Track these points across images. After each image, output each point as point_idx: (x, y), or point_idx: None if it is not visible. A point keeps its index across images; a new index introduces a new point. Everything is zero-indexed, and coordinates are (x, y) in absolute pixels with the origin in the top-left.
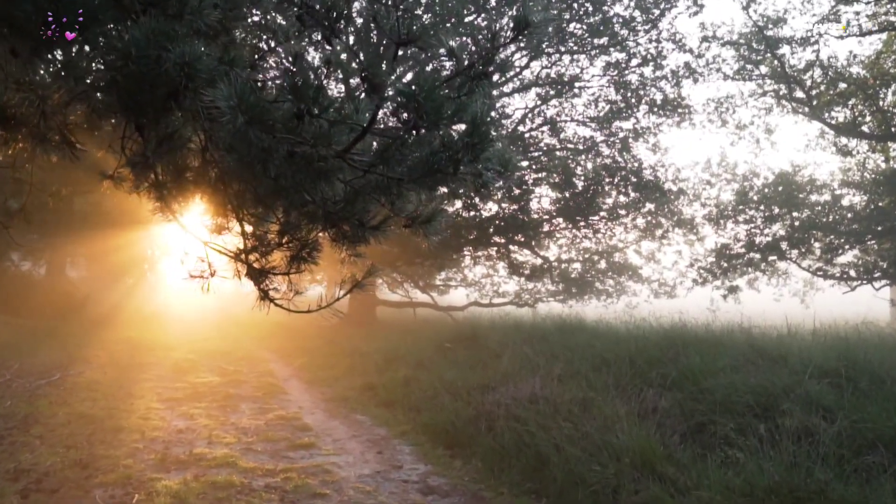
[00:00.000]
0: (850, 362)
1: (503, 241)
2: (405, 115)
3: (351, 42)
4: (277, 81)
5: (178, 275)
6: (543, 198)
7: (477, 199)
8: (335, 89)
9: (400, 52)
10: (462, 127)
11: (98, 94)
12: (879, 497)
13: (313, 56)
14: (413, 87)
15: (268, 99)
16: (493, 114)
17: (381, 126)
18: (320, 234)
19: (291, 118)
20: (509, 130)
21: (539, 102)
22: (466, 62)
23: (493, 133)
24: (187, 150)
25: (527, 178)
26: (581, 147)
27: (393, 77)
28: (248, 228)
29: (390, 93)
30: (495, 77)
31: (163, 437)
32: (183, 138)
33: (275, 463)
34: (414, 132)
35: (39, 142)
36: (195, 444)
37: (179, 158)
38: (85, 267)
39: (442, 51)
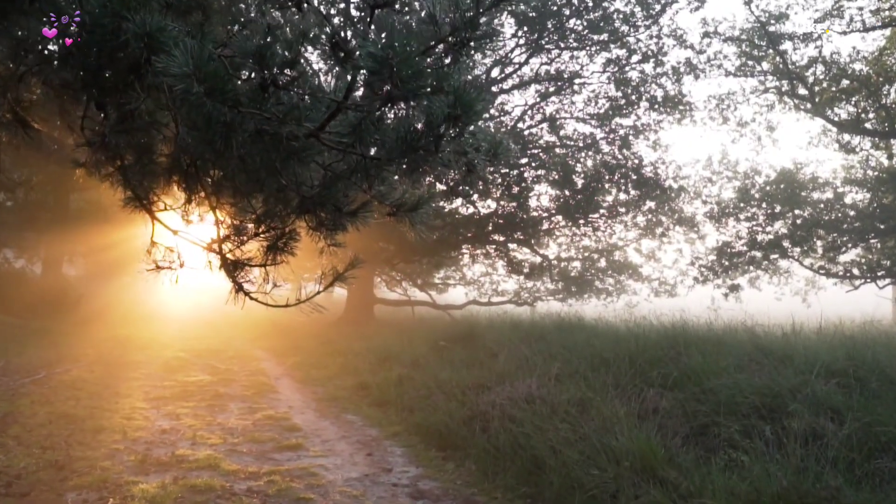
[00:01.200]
0: (858, 362)
1: (502, 238)
2: (379, 83)
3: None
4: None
5: (145, 266)
6: (543, 195)
7: (475, 196)
8: (328, 80)
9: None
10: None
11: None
12: (893, 503)
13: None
14: (387, 52)
15: (236, 73)
16: (492, 110)
17: (358, 101)
18: (297, 223)
19: (257, 91)
20: (508, 127)
21: (538, 99)
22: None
23: (479, 105)
24: (157, 134)
25: (526, 175)
26: (581, 144)
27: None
28: (223, 218)
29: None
30: (495, 73)
31: (145, 437)
32: (145, 117)
33: (259, 465)
34: (390, 104)
35: None
36: (178, 445)
37: (144, 140)
38: (82, 264)
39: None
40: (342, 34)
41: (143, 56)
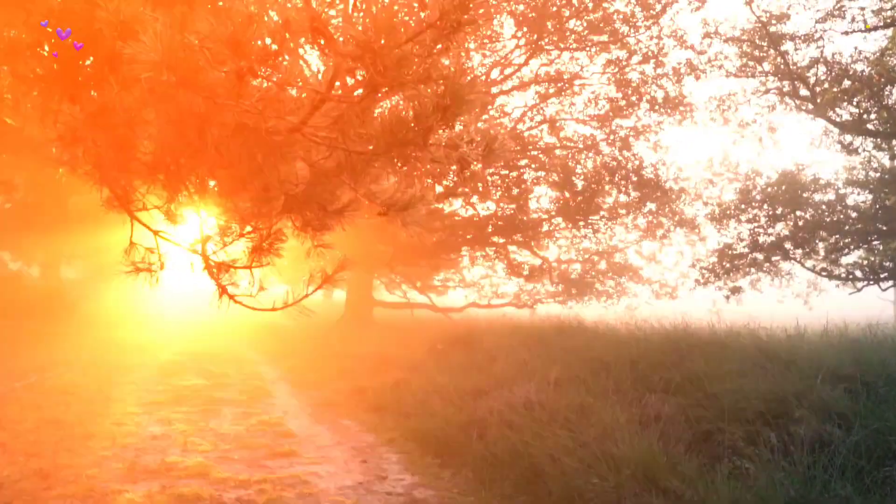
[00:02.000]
0: (864, 366)
1: (502, 241)
2: (361, 70)
3: None
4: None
5: (124, 268)
6: (542, 197)
7: (474, 198)
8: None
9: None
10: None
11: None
12: None
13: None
14: (370, 36)
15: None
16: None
17: (342, 94)
18: (283, 223)
19: (235, 82)
20: (508, 129)
21: (538, 101)
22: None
23: (471, 95)
24: (141, 130)
25: (525, 176)
26: (581, 145)
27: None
28: (207, 218)
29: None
30: (494, 74)
31: (135, 444)
32: (122, 112)
33: (250, 473)
34: (374, 93)
35: None
36: (168, 451)
37: (122, 134)
38: (81, 267)
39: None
40: (324, 19)
41: (117, 46)
